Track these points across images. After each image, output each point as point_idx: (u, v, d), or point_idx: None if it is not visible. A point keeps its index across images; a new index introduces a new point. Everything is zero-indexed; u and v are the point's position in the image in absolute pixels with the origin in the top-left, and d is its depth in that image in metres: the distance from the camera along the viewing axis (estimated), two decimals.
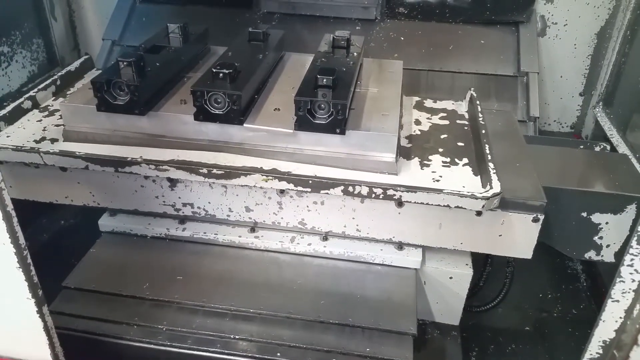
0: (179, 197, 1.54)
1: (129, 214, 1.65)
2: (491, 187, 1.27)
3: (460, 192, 1.27)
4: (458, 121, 1.67)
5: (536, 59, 2.39)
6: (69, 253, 1.71)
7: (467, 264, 1.56)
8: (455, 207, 1.28)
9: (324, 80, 1.37)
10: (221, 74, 1.41)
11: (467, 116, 1.70)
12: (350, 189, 1.33)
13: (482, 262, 1.68)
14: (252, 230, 1.61)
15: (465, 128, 1.63)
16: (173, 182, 1.51)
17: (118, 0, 2.74)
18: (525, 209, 1.32)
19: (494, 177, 1.30)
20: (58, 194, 1.59)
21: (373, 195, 1.32)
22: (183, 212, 1.56)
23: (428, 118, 1.68)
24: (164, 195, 1.54)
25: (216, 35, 1.95)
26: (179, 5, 2.71)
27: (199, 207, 1.55)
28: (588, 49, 2.52)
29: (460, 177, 1.37)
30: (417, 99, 1.80)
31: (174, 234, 1.62)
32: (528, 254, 1.39)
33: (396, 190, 1.30)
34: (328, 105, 1.35)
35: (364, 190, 1.32)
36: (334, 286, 1.49)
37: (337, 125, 1.36)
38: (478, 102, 1.63)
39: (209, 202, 1.54)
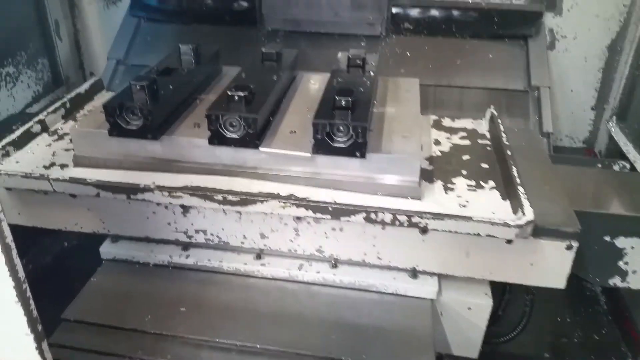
0: (192, 224, 1.49)
1: (131, 241, 1.60)
2: (523, 214, 1.22)
3: (492, 220, 1.21)
4: (479, 141, 1.62)
5: (547, 73, 2.37)
6: (71, 275, 1.67)
7: (486, 294, 1.48)
8: (486, 235, 1.23)
9: (343, 102, 1.33)
10: (236, 97, 1.37)
11: (488, 135, 1.66)
12: (373, 216, 1.28)
13: (500, 289, 1.62)
14: (258, 257, 1.55)
15: (488, 148, 1.59)
16: (186, 209, 1.46)
17: (123, 19, 2.73)
18: (558, 236, 1.27)
19: (526, 203, 1.24)
20: (67, 221, 1.55)
21: (397, 223, 1.27)
22: (195, 239, 1.51)
23: (448, 138, 1.64)
24: (176, 222, 1.49)
25: (221, 54, 1.92)
26: (183, 25, 2.69)
27: (212, 234, 1.50)
28: (599, 62, 2.51)
29: (488, 202, 1.32)
30: (434, 117, 1.76)
31: (177, 262, 1.56)
32: (561, 284, 1.33)
33: (422, 218, 1.25)
34: (347, 127, 1.31)
35: (387, 218, 1.27)
36: (345, 318, 1.42)
37: (357, 149, 1.32)
38: (500, 121, 1.59)
39: (223, 229, 1.49)
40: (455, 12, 2.47)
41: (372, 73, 1.62)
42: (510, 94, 2.37)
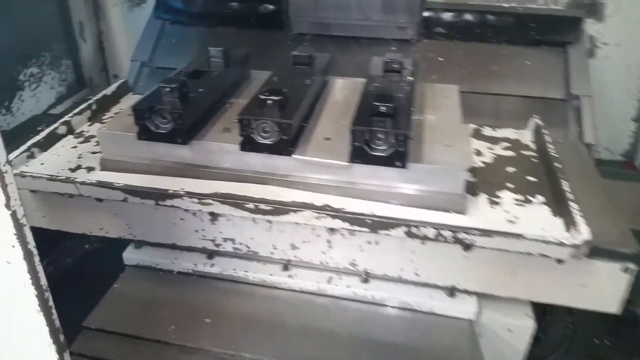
0: (220, 232, 1.43)
1: (155, 247, 1.55)
2: (579, 233, 1.12)
3: (545, 238, 1.12)
4: (523, 152, 1.53)
5: (589, 82, 2.25)
6: (92, 279, 1.62)
7: (527, 314, 1.39)
8: (538, 254, 1.13)
9: (384, 108, 1.26)
10: (270, 101, 1.31)
11: (533, 146, 1.56)
12: (414, 230, 1.20)
13: (540, 310, 1.51)
14: (285, 268, 1.49)
15: (534, 160, 1.49)
16: (214, 216, 1.40)
17: (147, 21, 2.70)
18: (615, 258, 1.17)
19: (580, 221, 1.15)
20: (92, 226, 1.50)
21: (441, 239, 1.19)
22: (224, 248, 1.45)
23: (489, 148, 1.55)
24: (204, 230, 1.43)
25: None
26: (208, 27, 2.65)
27: (240, 243, 1.44)
28: None
29: (539, 219, 1.23)
30: (474, 126, 1.67)
31: (201, 270, 1.51)
32: (614, 308, 1.23)
33: (468, 234, 1.16)
34: (387, 135, 1.23)
35: (430, 233, 1.19)
36: (376, 336, 1.35)
37: (398, 158, 1.24)
38: (546, 132, 1.49)
39: (252, 238, 1.42)
40: (490, 17, 2.38)
41: (410, 78, 1.54)
42: (548, 103, 2.26)
